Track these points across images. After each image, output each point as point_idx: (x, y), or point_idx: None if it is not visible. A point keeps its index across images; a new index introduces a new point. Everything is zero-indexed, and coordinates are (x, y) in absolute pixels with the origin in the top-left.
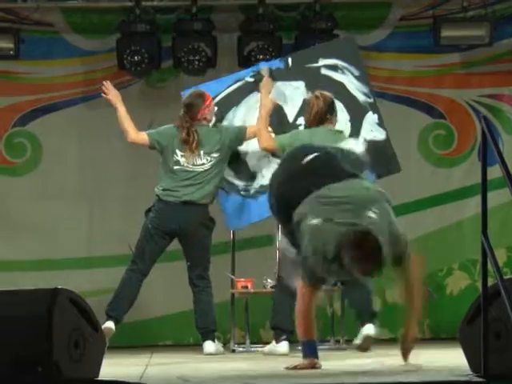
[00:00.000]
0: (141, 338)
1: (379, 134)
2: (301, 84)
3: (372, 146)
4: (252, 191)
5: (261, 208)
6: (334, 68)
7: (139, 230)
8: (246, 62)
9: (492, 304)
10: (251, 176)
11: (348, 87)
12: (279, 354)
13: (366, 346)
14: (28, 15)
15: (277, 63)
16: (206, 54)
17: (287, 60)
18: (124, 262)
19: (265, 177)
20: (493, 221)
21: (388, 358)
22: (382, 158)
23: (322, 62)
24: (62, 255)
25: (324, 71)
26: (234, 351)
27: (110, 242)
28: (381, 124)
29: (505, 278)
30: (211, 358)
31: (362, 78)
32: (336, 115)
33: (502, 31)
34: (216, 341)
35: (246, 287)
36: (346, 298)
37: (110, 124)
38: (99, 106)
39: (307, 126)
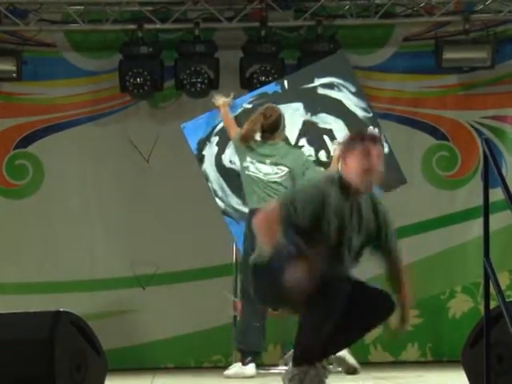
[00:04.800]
0: (143, 361)
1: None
2: (299, 105)
3: None
4: None
5: None
6: (330, 86)
7: (142, 252)
8: (248, 83)
9: (494, 327)
10: None
11: (346, 104)
12: (246, 376)
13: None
14: (31, 37)
15: (273, 87)
16: (209, 76)
17: (283, 83)
18: (127, 285)
19: None
20: (495, 244)
21: (387, 381)
22: (387, 171)
23: (317, 81)
24: (64, 277)
25: (321, 90)
26: None
27: (113, 264)
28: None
29: (507, 300)
30: (213, 381)
31: (358, 94)
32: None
33: (504, 53)
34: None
35: None
36: None
37: (113, 144)
38: (101, 127)
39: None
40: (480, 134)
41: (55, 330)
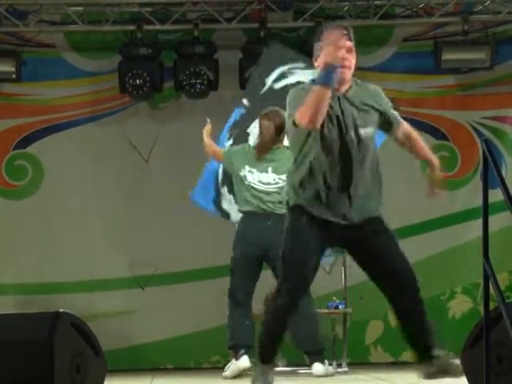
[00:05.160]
0: (142, 362)
1: None
2: None
3: None
4: None
5: None
6: (282, 76)
7: (141, 252)
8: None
9: (494, 328)
10: None
11: (306, 80)
12: (242, 369)
13: None
14: (31, 38)
15: (238, 112)
16: (208, 77)
17: (243, 103)
18: (126, 285)
19: None
20: (495, 244)
21: (387, 382)
22: None
23: (268, 80)
24: (64, 278)
25: (277, 85)
26: None
27: (112, 264)
28: None
29: (507, 301)
30: (213, 381)
31: (310, 65)
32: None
33: (503, 54)
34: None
35: None
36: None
37: (112, 145)
38: (101, 127)
39: None
40: (480, 134)
41: (55, 330)
